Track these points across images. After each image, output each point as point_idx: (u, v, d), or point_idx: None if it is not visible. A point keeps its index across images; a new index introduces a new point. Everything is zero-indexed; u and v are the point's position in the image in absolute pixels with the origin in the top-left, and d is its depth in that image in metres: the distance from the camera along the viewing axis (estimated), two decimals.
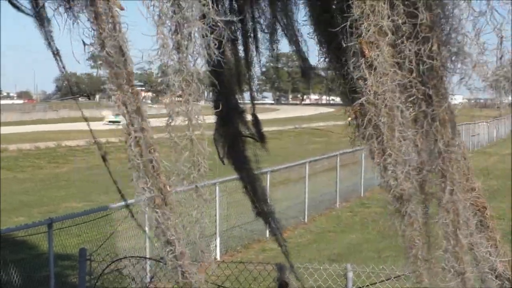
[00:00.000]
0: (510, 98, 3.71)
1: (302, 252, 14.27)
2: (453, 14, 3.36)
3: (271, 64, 6.41)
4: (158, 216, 3.26)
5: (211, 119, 4.72)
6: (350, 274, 7.43)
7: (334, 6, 4.03)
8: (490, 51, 3.35)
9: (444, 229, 3.43)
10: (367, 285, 7.66)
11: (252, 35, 5.30)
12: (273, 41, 5.26)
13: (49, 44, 4.76)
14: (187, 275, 3.40)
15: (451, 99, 3.50)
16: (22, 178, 30.45)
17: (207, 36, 3.10)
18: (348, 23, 3.31)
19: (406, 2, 3.33)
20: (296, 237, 16.44)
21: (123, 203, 11.14)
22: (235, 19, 4.86)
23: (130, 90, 3.26)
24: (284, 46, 5.37)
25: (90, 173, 30.19)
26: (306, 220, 18.98)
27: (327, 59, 4.33)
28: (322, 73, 5.57)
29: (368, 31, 3.26)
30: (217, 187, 14.35)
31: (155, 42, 3.14)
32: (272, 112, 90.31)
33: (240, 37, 5.26)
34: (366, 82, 3.30)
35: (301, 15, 4.73)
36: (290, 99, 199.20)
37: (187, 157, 3.23)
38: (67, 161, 37.27)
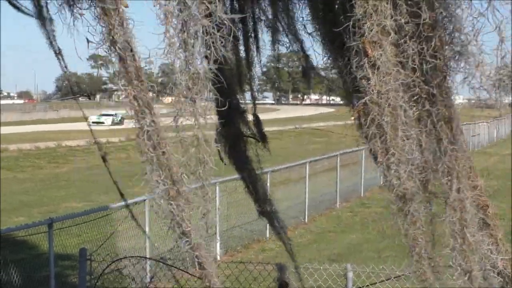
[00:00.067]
0: (510, 98, 3.71)
1: (302, 252, 14.26)
2: (456, 13, 3.37)
3: (272, 64, 6.42)
4: (173, 208, 3.28)
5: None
6: (350, 274, 7.43)
7: (336, 6, 4.03)
8: (491, 51, 3.36)
9: (451, 227, 3.45)
10: (367, 285, 7.66)
11: (252, 35, 5.30)
12: (274, 41, 5.26)
13: (51, 43, 4.76)
14: (204, 265, 3.40)
15: (455, 97, 3.51)
16: (22, 178, 30.45)
17: (214, 34, 3.11)
18: (351, 22, 3.31)
19: (409, 2, 3.33)
20: (296, 237, 16.44)
21: (123, 203, 11.17)
22: (241, 16, 4.86)
23: (139, 85, 3.28)
24: (284, 46, 5.37)
25: (90, 173, 30.21)
26: (306, 220, 18.99)
27: (330, 59, 4.33)
28: (323, 73, 5.57)
29: (371, 30, 3.27)
30: (217, 187, 14.35)
31: (161, 40, 3.15)
32: (272, 112, 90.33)
33: (241, 37, 5.26)
34: (369, 82, 3.31)
35: (303, 15, 4.73)
36: (290, 99, 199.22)
37: (193, 154, 3.25)
38: (67, 161, 37.28)
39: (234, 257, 14.39)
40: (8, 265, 10.37)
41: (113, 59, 3.32)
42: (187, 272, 9.84)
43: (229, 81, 4.68)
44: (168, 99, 3.40)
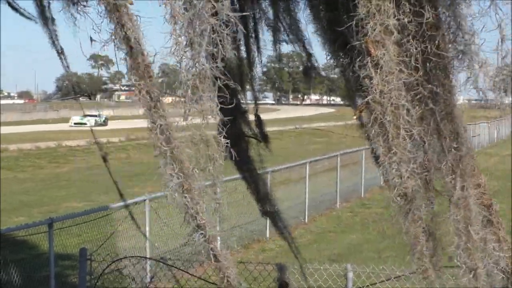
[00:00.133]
0: (510, 98, 3.72)
1: (302, 252, 14.24)
2: (460, 12, 3.37)
3: (272, 65, 6.42)
4: (187, 201, 3.31)
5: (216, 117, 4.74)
6: (350, 274, 7.43)
7: (339, 5, 4.04)
8: (491, 51, 3.37)
9: (455, 225, 3.47)
10: (367, 285, 7.66)
11: (253, 35, 5.30)
12: (275, 41, 5.26)
13: (53, 42, 4.77)
14: (219, 257, 3.43)
15: (458, 96, 3.52)
16: (23, 178, 30.46)
17: (221, 32, 3.13)
18: (354, 22, 3.32)
19: (412, 1, 3.34)
20: (296, 237, 16.42)
21: (123, 203, 11.17)
22: (247, 14, 4.87)
23: (150, 81, 3.30)
24: (285, 46, 5.38)
25: (91, 173, 30.23)
26: (306, 220, 18.99)
27: (332, 58, 4.34)
28: (323, 73, 5.57)
29: (374, 30, 3.27)
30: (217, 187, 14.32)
31: (168, 39, 3.17)
32: (272, 112, 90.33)
33: (241, 37, 5.26)
34: (372, 81, 3.31)
35: (305, 14, 4.73)
36: (290, 99, 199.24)
37: (203, 152, 3.28)
38: (67, 161, 37.29)
39: (234, 257, 14.38)
40: (8, 265, 10.37)
41: (117, 57, 3.33)
42: (187, 272, 9.85)
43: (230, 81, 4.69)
44: (168, 99, 3.40)
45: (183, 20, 3.14)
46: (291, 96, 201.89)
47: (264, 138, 5.63)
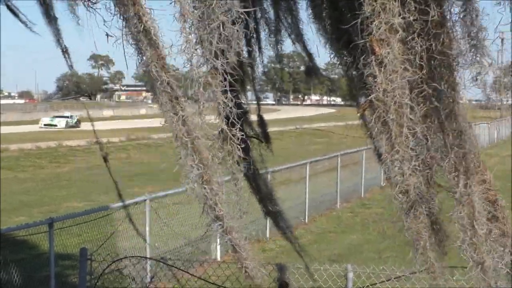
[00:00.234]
0: (510, 99, 3.74)
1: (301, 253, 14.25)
2: (475, 7, 3.38)
3: (272, 65, 6.41)
4: (206, 192, 3.33)
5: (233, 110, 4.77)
6: (351, 275, 7.43)
7: (343, 3, 4.04)
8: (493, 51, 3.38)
9: (460, 221, 3.49)
10: (368, 286, 7.66)
11: (254, 35, 5.30)
12: (277, 41, 5.26)
13: (58, 41, 4.78)
14: (237, 248, 3.45)
15: (463, 93, 3.53)
16: (23, 178, 30.47)
17: (232, 29, 3.15)
18: (359, 20, 3.32)
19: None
20: (296, 237, 16.43)
21: (123, 202, 11.17)
22: (255, 9, 4.88)
23: (169, 72, 3.32)
24: (286, 46, 5.38)
25: (91, 173, 30.24)
26: (306, 221, 18.99)
27: (336, 57, 4.34)
28: (324, 73, 5.58)
29: (379, 29, 3.28)
30: None
31: (178, 37, 3.19)
32: (273, 113, 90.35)
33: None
34: (375, 80, 3.32)
35: (307, 14, 4.74)
36: (291, 100, 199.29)
37: (219, 146, 3.31)
38: (68, 161, 37.30)
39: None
40: (8, 265, 10.37)
41: (125, 54, 3.34)
42: (187, 272, 9.85)
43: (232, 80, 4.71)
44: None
45: (193, 18, 3.16)
46: (291, 97, 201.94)
47: (265, 138, 5.63)
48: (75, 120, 72.85)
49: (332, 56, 4.38)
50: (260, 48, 5.34)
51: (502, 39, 3.72)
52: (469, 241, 3.51)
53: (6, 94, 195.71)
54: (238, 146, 3.37)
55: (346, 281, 7.46)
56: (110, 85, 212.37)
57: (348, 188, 23.09)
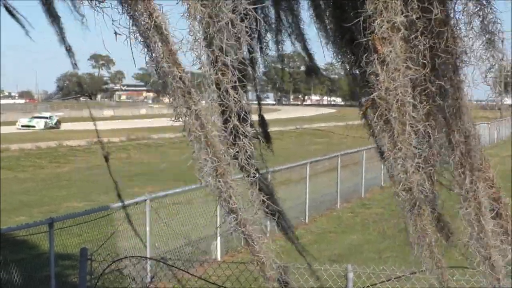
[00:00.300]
0: (511, 99, 3.76)
1: (303, 253, 14.25)
2: (490, 1, 3.39)
3: (273, 65, 6.40)
4: (220, 185, 3.34)
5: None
6: (351, 275, 7.42)
7: (346, 1, 4.05)
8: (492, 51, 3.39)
9: (467, 217, 3.51)
10: (368, 286, 7.66)
11: (256, 35, 5.30)
12: (278, 41, 5.26)
13: (62, 39, 4.79)
14: (250, 241, 3.43)
15: (467, 90, 3.54)
16: (23, 178, 30.47)
17: (240, 25, 3.17)
18: (362, 18, 3.33)
19: None
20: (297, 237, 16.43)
21: (124, 202, 11.17)
22: (263, 5, 4.89)
23: (181, 67, 3.33)
24: (286, 46, 5.38)
25: (91, 173, 30.23)
26: (307, 221, 18.99)
27: (339, 55, 4.35)
28: (324, 73, 5.59)
29: (381, 27, 3.28)
30: None
31: (187, 35, 3.20)
32: (273, 113, 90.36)
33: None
34: (378, 78, 3.32)
35: (308, 14, 4.74)
36: (291, 100, 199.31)
37: (230, 142, 3.34)
38: (68, 161, 37.30)
39: (235, 257, 14.38)
40: (8, 265, 10.37)
41: (132, 52, 3.34)
42: (188, 272, 9.86)
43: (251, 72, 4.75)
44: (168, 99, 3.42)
45: (202, 16, 3.17)
46: (291, 97, 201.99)
47: (266, 138, 5.63)
48: (55, 121, 70.83)
49: (335, 54, 4.38)
50: (261, 48, 5.34)
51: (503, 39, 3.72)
52: (476, 236, 3.54)
53: (7, 94, 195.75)
54: (250, 142, 3.39)
55: (346, 281, 7.45)
56: (111, 85, 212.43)
57: (348, 188, 23.08)
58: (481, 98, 3.70)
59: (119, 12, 3.29)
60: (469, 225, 3.53)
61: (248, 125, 3.37)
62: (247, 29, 3.21)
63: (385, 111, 3.34)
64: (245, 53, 4.72)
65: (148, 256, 11.73)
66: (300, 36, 5.20)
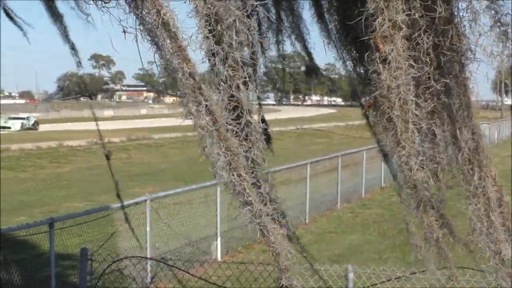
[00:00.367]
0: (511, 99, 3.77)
1: (303, 253, 14.25)
2: None
3: (273, 65, 6.40)
4: (234, 179, 3.36)
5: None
6: (351, 275, 7.43)
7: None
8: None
9: (476, 213, 3.52)
10: (368, 286, 7.66)
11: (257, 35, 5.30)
12: (278, 41, 5.26)
13: (65, 37, 4.79)
14: (265, 231, 3.45)
15: (473, 87, 3.55)
16: (24, 178, 30.48)
17: (248, 22, 3.18)
18: (364, 17, 3.33)
19: None
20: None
21: (124, 203, 11.17)
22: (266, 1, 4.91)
23: (191, 63, 3.34)
24: (287, 46, 5.37)
25: (92, 173, 30.26)
26: (307, 221, 18.99)
27: (343, 53, 4.35)
28: (324, 73, 5.60)
29: (382, 25, 3.28)
30: (218, 188, 14.36)
31: (195, 32, 3.21)
32: (273, 113, 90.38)
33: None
34: (380, 76, 3.33)
35: (309, 14, 4.74)
36: (291, 100, 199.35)
37: (244, 137, 3.36)
38: (68, 161, 37.32)
39: (235, 257, 14.40)
40: (9, 265, 10.37)
41: (139, 50, 3.35)
42: (188, 272, 9.87)
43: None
44: (169, 99, 3.44)
45: (210, 14, 3.18)
46: (292, 97, 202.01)
47: (267, 138, 5.63)
48: (32, 121, 68.73)
49: (339, 51, 4.39)
50: (262, 48, 5.34)
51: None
52: (486, 231, 3.55)
53: (7, 94, 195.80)
54: (262, 137, 3.42)
55: (346, 281, 7.46)
56: (111, 85, 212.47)
57: (349, 188, 23.09)
58: (480, 98, 3.71)
59: (125, 12, 3.30)
60: (479, 221, 3.55)
61: (260, 120, 3.44)
62: (255, 24, 3.24)
63: (387, 109, 3.35)
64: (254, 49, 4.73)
65: (148, 256, 11.73)
66: (300, 36, 5.20)
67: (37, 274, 11.02)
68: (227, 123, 3.32)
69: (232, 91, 3.29)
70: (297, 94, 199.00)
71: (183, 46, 3.27)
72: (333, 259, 13.74)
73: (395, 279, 7.38)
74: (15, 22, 5.01)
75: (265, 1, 3.69)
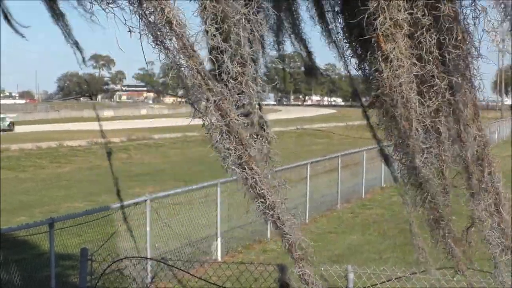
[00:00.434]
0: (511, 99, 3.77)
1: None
2: None
3: (273, 65, 6.39)
4: (246, 173, 3.37)
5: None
6: (351, 275, 7.42)
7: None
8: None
9: (487, 209, 3.52)
10: (368, 286, 7.66)
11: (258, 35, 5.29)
12: (278, 41, 5.26)
13: (68, 36, 4.78)
14: (279, 223, 3.44)
15: (479, 84, 3.55)
16: (24, 178, 30.48)
17: (254, 20, 3.19)
18: (366, 15, 3.32)
19: None
20: None
21: (124, 203, 11.17)
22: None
23: (198, 60, 3.34)
24: (287, 46, 5.37)
25: (92, 173, 30.26)
26: (307, 221, 18.98)
27: (349, 50, 4.35)
28: (324, 73, 5.60)
29: (383, 24, 3.28)
30: (218, 188, 14.36)
31: (202, 30, 3.22)
32: (274, 113, 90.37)
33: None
34: (382, 75, 3.33)
35: (310, 13, 4.73)
36: (291, 100, 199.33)
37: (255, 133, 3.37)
38: (68, 161, 37.32)
39: (235, 257, 14.40)
40: (9, 265, 10.37)
41: (143, 49, 3.34)
42: (188, 273, 9.85)
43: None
44: (169, 99, 3.44)
45: (216, 12, 3.18)
46: (292, 97, 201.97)
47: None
48: (8, 122, 65.71)
49: (342, 50, 4.38)
50: (263, 48, 5.34)
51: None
52: (496, 226, 3.56)
53: (7, 94, 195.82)
54: (268, 134, 3.45)
55: (346, 281, 7.45)
56: (111, 86, 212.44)
57: (349, 188, 23.09)
58: (480, 98, 3.71)
59: (130, 11, 3.30)
60: (489, 216, 3.55)
61: (267, 118, 3.45)
62: (262, 21, 3.24)
63: (390, 107, 3.35)
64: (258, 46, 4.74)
65: (148, 256, 11.73)
66: (299, 36, 5.19)
67: (37, 274, 11.01)
68: (236, 119, 3.33)
69: (242, 88, 3.29)
70: (298, 94, 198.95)
71: (189, 44, 3.27)
72: (333, 259, 13.74)
73: (395, 279, 7.38)
74: (11, 26, 4.99)
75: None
